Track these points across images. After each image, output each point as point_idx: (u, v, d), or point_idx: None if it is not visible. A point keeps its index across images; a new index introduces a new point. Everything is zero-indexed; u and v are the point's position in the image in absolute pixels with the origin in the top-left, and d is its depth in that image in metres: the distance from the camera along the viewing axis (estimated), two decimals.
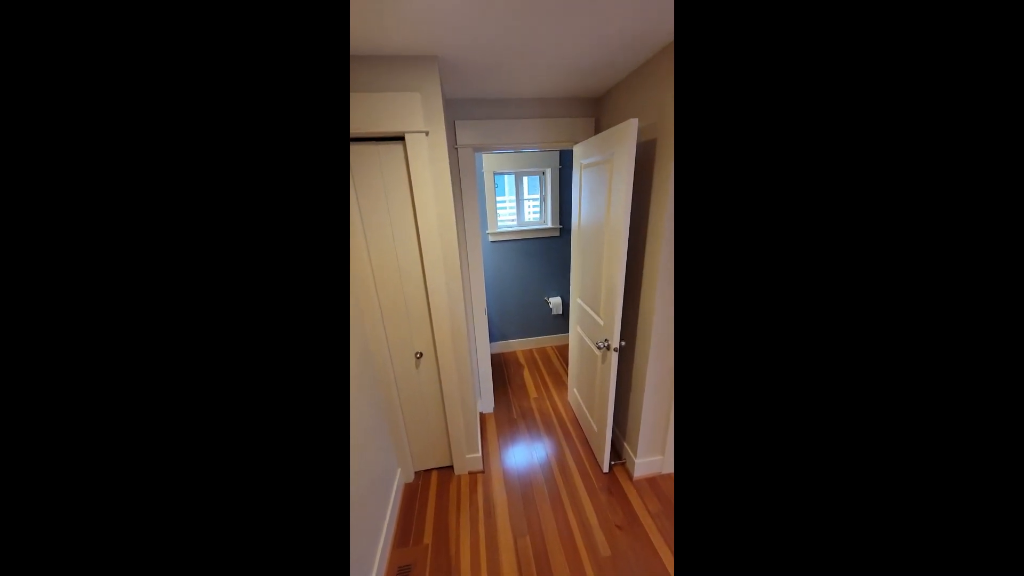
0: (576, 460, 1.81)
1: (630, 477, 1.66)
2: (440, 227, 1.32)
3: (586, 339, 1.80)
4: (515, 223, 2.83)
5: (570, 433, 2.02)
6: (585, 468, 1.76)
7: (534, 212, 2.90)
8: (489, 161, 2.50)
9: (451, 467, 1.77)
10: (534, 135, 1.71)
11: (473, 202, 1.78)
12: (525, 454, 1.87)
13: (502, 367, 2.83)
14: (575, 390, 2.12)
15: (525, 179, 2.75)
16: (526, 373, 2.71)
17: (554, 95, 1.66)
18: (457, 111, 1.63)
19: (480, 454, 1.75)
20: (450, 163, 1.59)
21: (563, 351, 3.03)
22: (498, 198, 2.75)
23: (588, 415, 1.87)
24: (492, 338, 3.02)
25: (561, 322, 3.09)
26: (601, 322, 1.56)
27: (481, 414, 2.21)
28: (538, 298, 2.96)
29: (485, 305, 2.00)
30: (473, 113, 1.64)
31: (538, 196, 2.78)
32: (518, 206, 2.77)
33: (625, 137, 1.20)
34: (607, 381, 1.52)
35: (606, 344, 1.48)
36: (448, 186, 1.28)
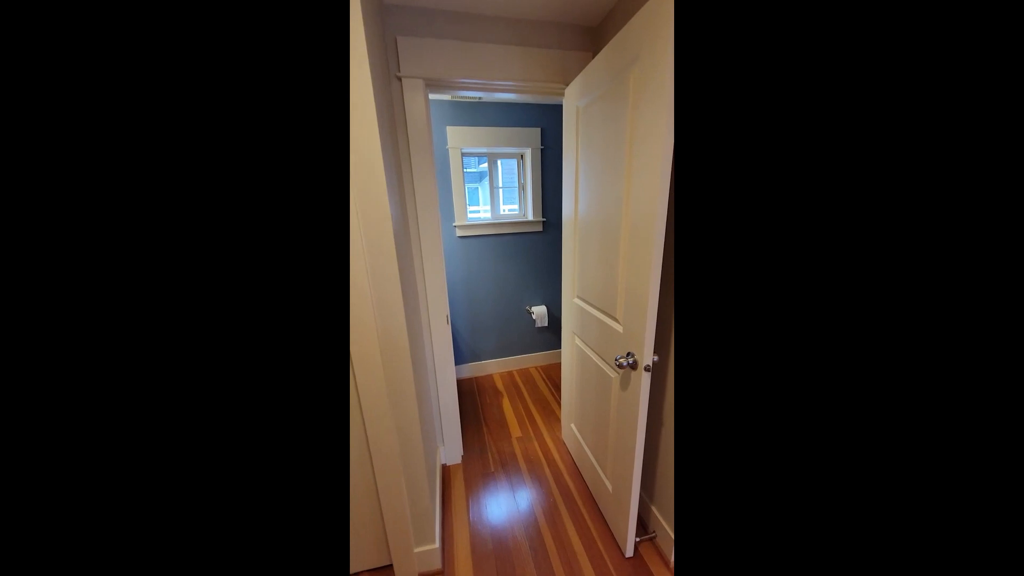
0: (582, 535, 1.23)
1: (666, 562, 1.10)
2: (359, 194, 0.77)
3: (592, 354, 1.27)
4: (489, 215, 2.31)
5: (569, 490, 1.44)
6: (597, 548, 1.18)
7: (511, 207, 2.41)
8: (456, 136, 2.00)
9: (390, 567, 1.12)
10: (512, 69, 1.22)
11: (428, 175, 1.25)
12: (507, 529, 1.26)
13: (474, 396, 2.21)
14: (573, 427, 1.55)
15: (500, 163, 2.27)
16: (506, 403, 2.12)
17: (539, 16, 1.20)
18: (401, 22, 1.12)
19: (438, 543, 1.12)
20: (382, 104, 1.05)
21: (551, 372, 2.47)
22: (469, 185, 2.24)
23: (598, 467, 1.30)
24: (460, 358, 2.41)
25: (548, 336, 2.55)
26: (620, 328, 1.03)
27: (444, 468, 1.58)
28: (518, 307, 2.42)
29: (448, 315, 1.42)
30: (425, 28, 1.14)
31: (515, 185, 2.30)
32: (492, 195, 2.27)
33: (656, 24, 0.73)
34: (632, 418, 0.98)
35: (630, 361, 0.96)
36: (374, 133, 0.74)
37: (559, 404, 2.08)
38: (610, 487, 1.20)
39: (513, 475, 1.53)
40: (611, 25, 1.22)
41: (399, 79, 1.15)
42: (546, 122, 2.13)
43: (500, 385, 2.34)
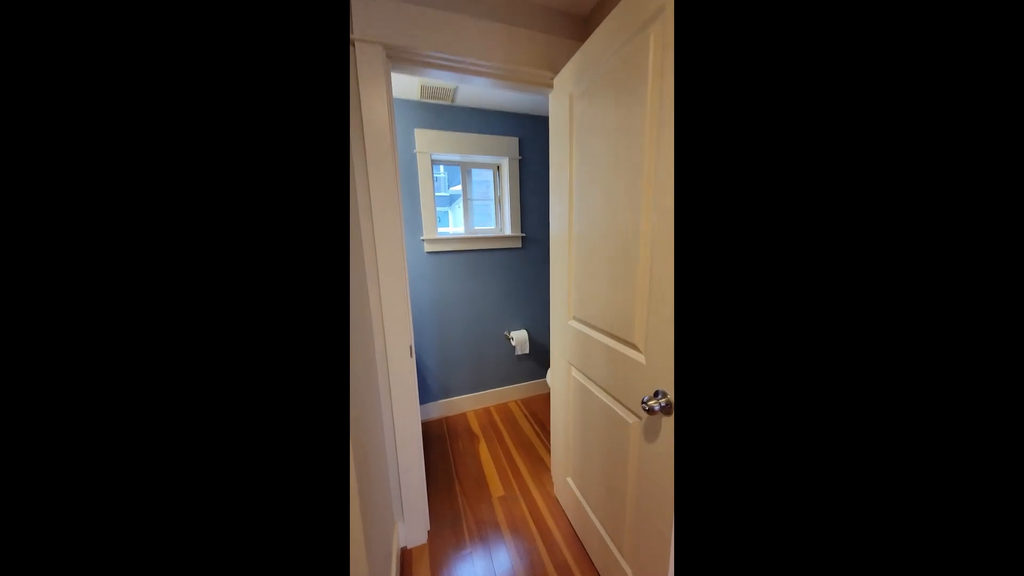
0: None
1: None
2: None
3: (598, 391, 1.01)
4: (462, 229, 2.07)
5: (567, 567, 1.11)
6: None
7: (485, 227, 2.19)
8: (425, 140, 1.77)
9: None
10: (493, 49, 1.03)
11: (389, 175, 0.99)
12: None
13: (444, 442, 1.84)
14: (571, 482, 1.26)
15: (473, 173, 2.07)
16: (483, 450, 1.77)
17: None
18: None
19: None
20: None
21: (534, 406, 2.17)
22: (440, 208, 1.99)
23: (610, 542, 1.01)
24: (427, 395, 2.04)
25: (529, 365, 2.27)
26: (643, 359, 0.79)
27: (404, 553, 1.19)
28: (495, 333, 2.13)
29: (412, 346, 1.11)
30: None
31: (490, 198, 2.10)
32: (465, 207, 2.03)
33: None
34: (664, 481, 0.72)
35: (662, 403, 0.71)
36: None
37: (547, 447, 1.77)
38: (629, 573, 0.90)
39: (495, 550, 1.18)
40: (601, 15, 1.08)
41: (352, 43, 0.90)
42: (524, 131, 1.98)
43: (476, 426, 1.99)
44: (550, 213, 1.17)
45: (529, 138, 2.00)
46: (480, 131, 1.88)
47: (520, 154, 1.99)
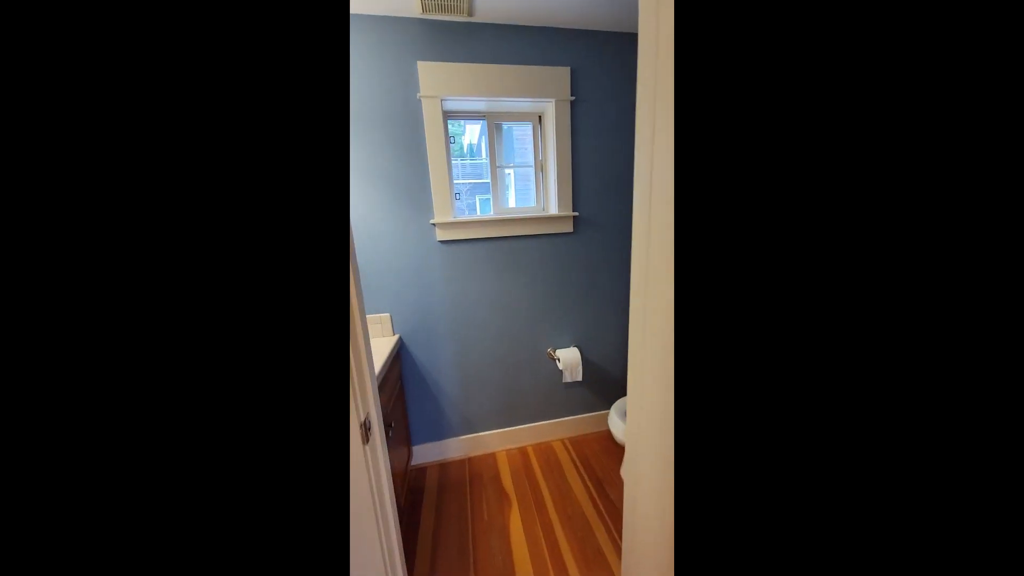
0: None
1: None
2: None
3: None
4: (490, 209, 1.51)
5: None
6: None
7: (521, 192, 1.59)
8: (432, 78, 1.22)
9: None
10: None
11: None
12: None
13: (464, 493, 1.35)
14: None
15: (505, 129, 1.47)
16: (514, 516, 1.25)
17: None
18: None
19: None
20: None
21: (587, 450, 1.58)
22: (457, 160, 1.46)
23: None
24: (444, 430, 1.57)
25: (582, 395, 1.67)
26: None
27: None
28: (534, 349, 1.56)
29: (381, 426, 0.59)
30: None
31: (529, 163, 1.49)
32: (493, 178, 1.46)
33: None
34: None
35: None
36: None
37: (608, 527, 1.19)
38: None
39: None
40: None
41: None
42: (580, 57, 1.32)
43: (507, 475, 1.47)
44: (635, 173, 0.55)
45: (588, 67, 1.34)
46: (513, 60, 1.27)
47: (573, 93, 1.34)
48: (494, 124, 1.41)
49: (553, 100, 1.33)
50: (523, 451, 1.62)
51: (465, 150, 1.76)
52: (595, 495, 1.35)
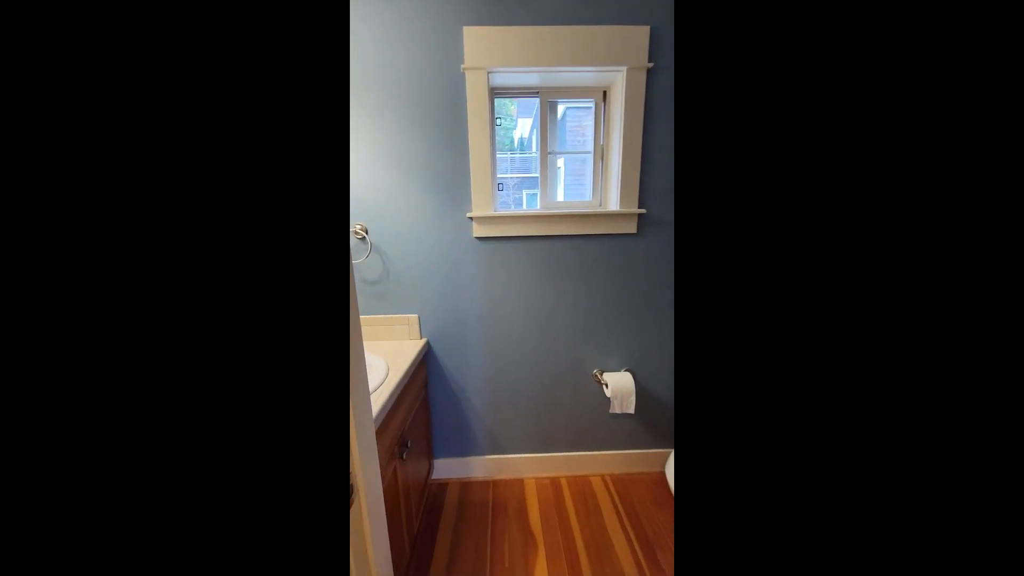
0: None
1: None
2: None
3: None
4: (536, 202, 1.31)
5: None
6: None
7: (575, 184, 1.36)
8: (479, 45, 1.04)
9: None
10: None
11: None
12: None
13: (485, 521, 1.19)
14: None
15: (560, 111, 1.25)
16: (540, 564, 1.06)
17: None
18: None
19: None
20: None
21: (634, 493, 1.32)
22: (506, 154, 1.28)
23: None
24: (469, 446, 1.42)
25: (630, 429, 1.41)
26: None
27: None
28: (578, 369, 1.34)
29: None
30: None
31: (588, 149, 1.25)
32: (543, 167, 1.25)
33: None
34: None
35: None
36: None
37: None
38: None
39: None
40: None
41: None
42: (664, 14, 1.04)
43: (535, 510, 1.28)
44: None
45: (672, 27, 1.05)
46: (578, 19, 1.04)
47: (651, 59, 1.07)
48: (548, 103, 1.19)
49: (624, 68, 1.07)
50: (555, 483, 1.41)
51: (516, 143, 1.58)
52: (641, 557, 1.09)
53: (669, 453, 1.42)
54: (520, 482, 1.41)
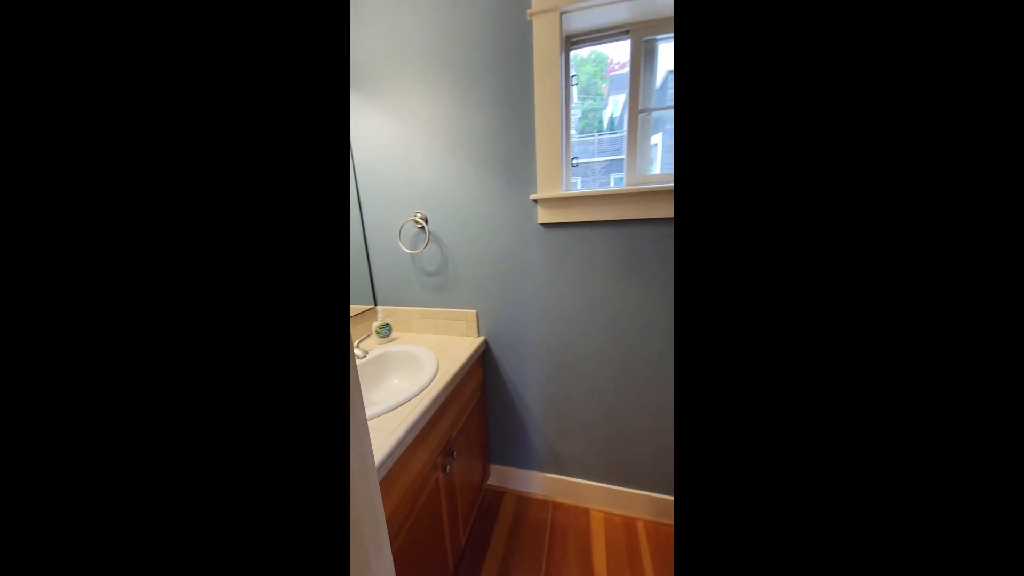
0: None
1: None
2: None
3: None
4: (622, 177, 1.05)
5: None
6: None
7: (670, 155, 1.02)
8: None
9: None
10: None
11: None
12: None
13: (538, 554, 1.04)
14: None
15: (660, 51, 0.94)
16: None
17: None
18: None
19: None
20: None
21: None
22: (593, 135, 1.08)
23: None
24: (525, 459, 1.27)
25: None
26: None
27: None
28: (663, 388, 1.04)
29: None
30: None
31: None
32: (631, 132, 0.97)
33: None
34: None
35: None
36: None
37: None
38: None
39: None
40: None
41: None
42: None
43: (599, 549, 1.07)
44: None
45: None
46: None
47: None
48: (643, 44, 0.90)
49: None
50: (630, 524, 1.16)
51: (605, 124, 1.33)
52: None
53: None
54: (585, 512, 1.21)
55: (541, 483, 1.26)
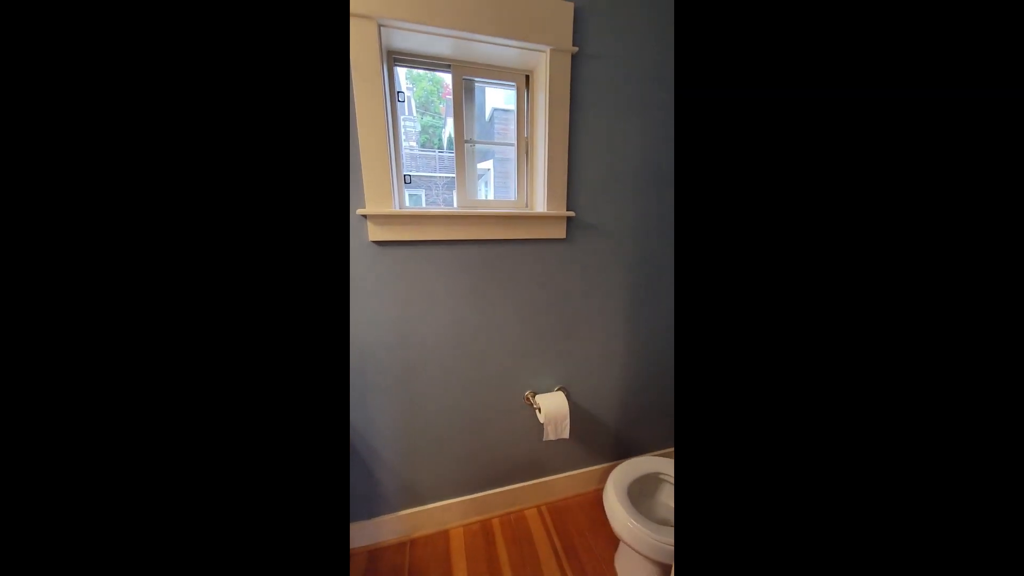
0: None
1: None
2: None
3: None
4: (454, 200, 1.10)
5: None
6: None
7: (503, 186, 1.19)
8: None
9: None
10: None
11: None
12: None
13: None
14: None
15: (479, 92, 1.06)
16: None
17: None
18: None
19: None
20: None
21: (569, 520, 1.20)
22: (433, 151, 1.09)
23: None
24: (375, 506, 1.13)
25: (565, 450, 1.29)
26: None
27: None
28: (507, 395, 1.17)
29: None
30: None
31: (511, 140, 1.08)
32: (458, 158, 1.03)
33: None
34: None
35: None
36: None
37: None
38: None
39: None
40: None
41: None
42: None
43: (460, 569, 1.07)
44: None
45: (602, 5, 0.95)
46: None
47: (576, 42, 0.95)
48: (463, 82, 0.99)
49: (548, 49, 0.92)
50: (487, 527, 1.21)
51: (444, 143, 1.35)
52: None
53: (604, 468, 1.35)
54: (444, 535, 1.18)
55: (393, 525, 1.14)
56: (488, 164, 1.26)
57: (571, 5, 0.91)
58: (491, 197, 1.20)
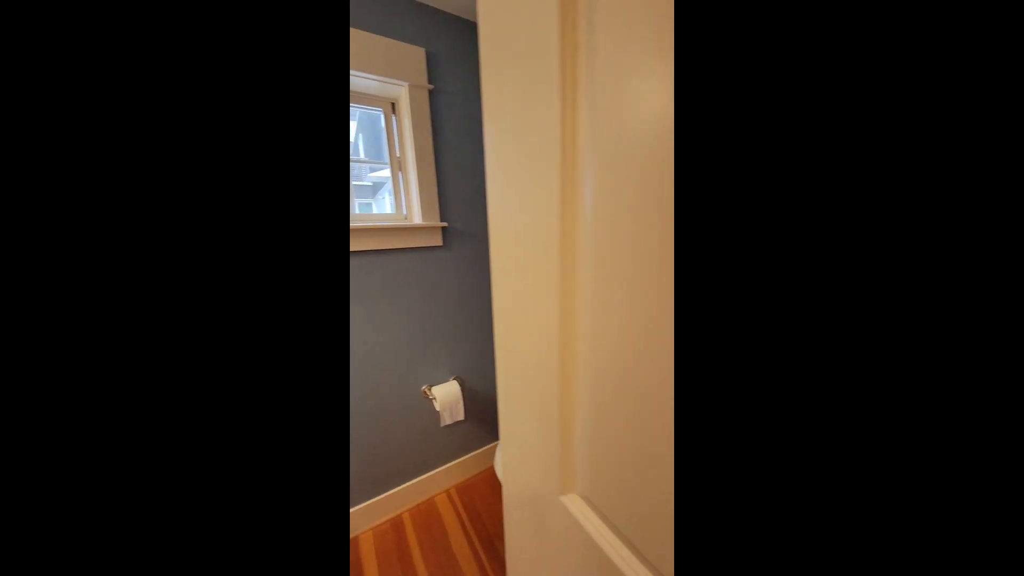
0: None
1: None
2: None
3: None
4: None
5: None
6: None
7: (378, 197, 1.29)
8: None
9: None
10: None
11: None
12: None
13: None
14: None
15: (354, 127, 1.13)
16: None
17: None
18: None
19: None
20: None
21: (476, 495, 1.36)
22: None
23: None
24: None
25: (465, 431, 1.44)
26: None
27: None
28: (405, 392, 1.26)
29: None
30: None
31: (385, 163, 1.20)
32: None
33: None
34: None
35: None
36: None
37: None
38: None
39: None
40: None
41: None
42: (438, 41, 1.12)
43: (372, 564, 1.11)
44: (487, 176, 0.35)
45: (447, 53, 1.14)
46: (358, 24, 0.96)
47: (431, 81, 1.12)
48: None
49: (406, 84, 1.07)
50: (397, 523, 1.28)
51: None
52: (485, 561, 1.13)
53: (496, 445, 1.55)
54: (355, 541, 1.20)
55: None
56: (387, 173, 1.31)
57: (422, 50, 1.08)
58: (387, 207, 1.28)
